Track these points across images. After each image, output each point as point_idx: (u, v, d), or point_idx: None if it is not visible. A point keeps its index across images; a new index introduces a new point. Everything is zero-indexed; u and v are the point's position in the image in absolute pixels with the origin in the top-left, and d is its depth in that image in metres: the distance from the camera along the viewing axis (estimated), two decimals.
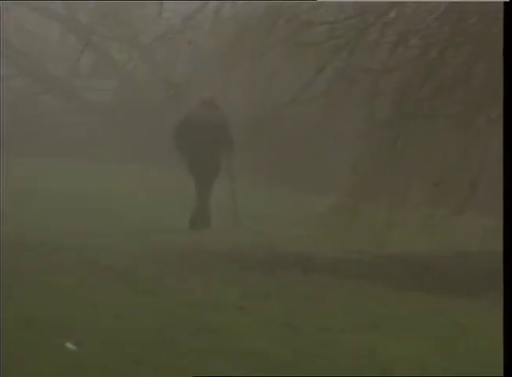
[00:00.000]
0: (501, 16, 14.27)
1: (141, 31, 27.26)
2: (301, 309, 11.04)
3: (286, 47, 14.72)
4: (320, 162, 20.47)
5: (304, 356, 8.85)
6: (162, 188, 22.65)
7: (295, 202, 18.79)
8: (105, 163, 26.64)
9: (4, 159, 25.73)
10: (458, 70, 13.95)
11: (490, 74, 13.94)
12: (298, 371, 8.29)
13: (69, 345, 8.89)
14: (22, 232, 15.35)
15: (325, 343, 9.46)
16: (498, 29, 14.21)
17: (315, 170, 20.84)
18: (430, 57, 14.03)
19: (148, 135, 28.12)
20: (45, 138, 29.83)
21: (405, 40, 14.21)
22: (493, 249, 15.04)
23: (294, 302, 11.46)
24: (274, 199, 19.56)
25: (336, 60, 14.44)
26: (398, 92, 14.26)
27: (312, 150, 21.63)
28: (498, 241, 15.66)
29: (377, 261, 13.98)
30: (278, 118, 19.07)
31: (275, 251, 14.65)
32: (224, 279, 12.70)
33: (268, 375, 8.16)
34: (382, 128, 14.45)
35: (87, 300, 11.02)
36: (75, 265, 13.21)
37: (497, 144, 14.78)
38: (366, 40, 14.37)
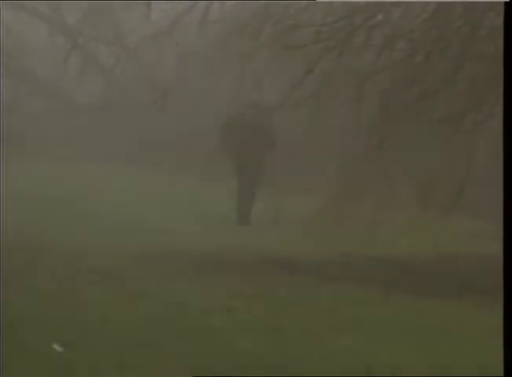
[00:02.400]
0: (487, 19, 14.45)
1: (129, 32, 27.27)
2: (287, 311, 11.08)
3: (273, 49, 14.75)
4: (306, 164, 20.48)
5: (289, 358, 8.89)
6: (149, 188, 22.65)
7: (281, 204, 18.83)
8: (91, 164, 26.62)
9: None
10: (444, 73, 14.00)
11: (476, 77, 14.03)
12: (283, 372, 8.33)
13: (56, 346, 8.93)
14: (7, 234, 15.32)
15: (310, 344, 9.53)
16: (483, 32, 14.31)
17: (301, 171, 20.86)
18: (417, 60, 14.09)
19: (135, 136, 28.14)
20: (31, 139, 29.80)
21: (392, 43, 14.25)
22: (478, 251, 15.14)
23: (280, 304, 11.49)
24: (260, 201, 19.56)
25: (324, 63, 14.47)
26: (385, 94, 14.30)
27: (299, 152, 21.67)
28: (483, 243, 15.82)
29: (362, 263, 14.01)
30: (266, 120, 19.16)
31: (261, 254, 14.64)
32: (211, 281, 12.73)
33: (256, 376, 8.23)
34: (369, 130, 14.49)
35: (74, 302, 11.07)
36: (61, 267, 13.20)
37: (483, 146, 14.89)
38: (353, 43, 14.40)
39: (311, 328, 10.22)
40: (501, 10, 14.26)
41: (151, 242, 15.33)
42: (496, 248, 15.29)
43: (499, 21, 14.53)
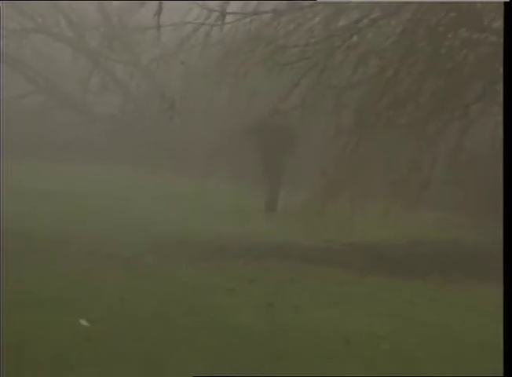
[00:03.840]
0: (446, 40, 14.48)
1: (142, 53, 27.22)
2: (279, 290, 11.11)
3: (265, 67, 14.74)
4: (293, 164, 20.46)
5: (281, 329, 8.94)
6: (159, 187, 22.60)
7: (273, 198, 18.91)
8: (111, 166, 26.57)
9: (26, 164, 25.78)
10: (410, 86, 14.03)
11: (437, 90, 14.05)
12: (277, 342, 8.39)
13: (83, 322, 8.95)
14: (37, 227, 15.32)
15: (298, 318, 9.58)
16: (444, 51, 14.34)
17: (289, 170, 20.85)
18: (387, 75, 14.10)
19: (147, 141, 28.10)
20: (59, 145, 29.72)
21: (365, 61, 14.28)
22: (440, 238, 15.13)
23: (272, 285, 11.51)
24: (253, 196, 19.56)
25: (308, 78, 14.48)
26: (360, 104, 14.32)
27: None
28: (444, 231, 15.80)
29: (342, 249, 14.00)
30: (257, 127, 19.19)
31: (255, 241, 14.64)
32: (214, 265, 12.75)
33: (251, 347, 8.25)
34: (346, 135, 14.50)
35: (96, 284, 11.12)
36: (86, 254, 13.22)
37: (444, 149, 14.92)
38: (333, 60, 14.42)
39: (299, 304, 10.23)
40: (461, 31, 14.40)
41: (162, 233, 15.26)
42: (455, 235, 15.36)
43: (457, 42, 14.61)
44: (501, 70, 14.78)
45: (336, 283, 11.84)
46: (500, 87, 14.96)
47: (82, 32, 32.93)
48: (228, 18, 14.54)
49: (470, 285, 12.00)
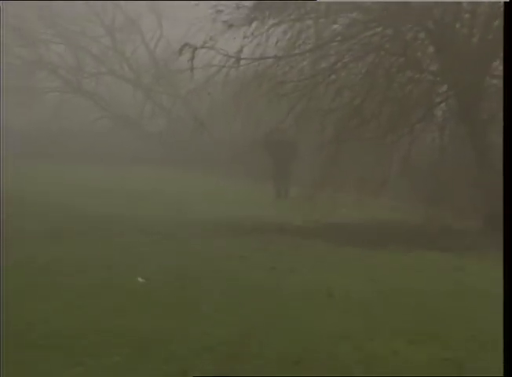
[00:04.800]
0: (397, 77, 14.44)
1: (181, 87, 27.18)
2: (280, 258, 11.06)
3: (268, 97, 14.69)
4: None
5: (282, 286, 8.96)
6: (192, 183, 22.53)
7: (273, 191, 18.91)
8: (159, 168, 26.51)
9: (101, 168, 25.84)
10: (372, 111, 14.00)
11: (391, 113, 14.04)
12: (277, 295, 8.42)
13: (140, 279, 8.93)
14: (110, 213, 15.31)
15: (294, 277, 9.60)
16: (396, 85, 14.30)
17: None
18: (356, 103, 14.07)
19: (184, 150, 28.08)
20: (123, 155, 29.66)
21: (341, 93, 14.24)
22: (395, 219, 15.10)
23: (274, 253, 11.48)
24: (259, 190, 19.54)
25: (300, 105, 14.44)
26: (337, 123, 14.28)
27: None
28: (397, 214, 15.76)
29: (325, 227, 13.97)
30: (264, 140, 19.18)
31: (258, 222, 14.57)
32: (232, 239, 12.70)
33: (259, 298, 8.25)
34: (328, 146, 14.46)
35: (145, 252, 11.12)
36: (128, 229, 13.22)
37: (397, 156, 14.92)
38: (317, 92, 14.37)
39: (294, 267, 10.24)
40: (407, 72, 14.36)
41: (195, 217, 15.22)
42: (404, 217, 15.35)
43: (405, 80, 14.58)
44: (437, 99, 14.80)
45: (321, 252, 11.84)
46: (436, 111, 15.01)
47: (138, 74, 32.93)
48: (242, 62, 14.48)
49: (413, 251, 12.01)
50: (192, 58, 13.93)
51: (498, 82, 14.54)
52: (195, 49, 13.90)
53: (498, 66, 14.41)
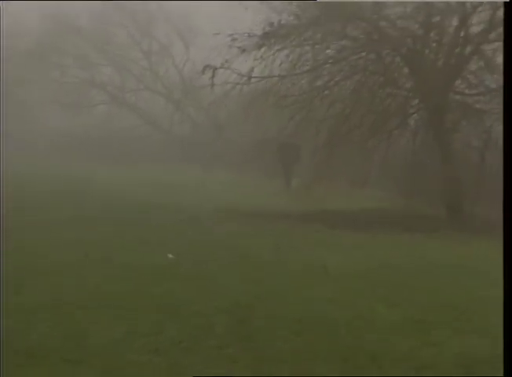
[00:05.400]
0: (379, 93, 14.40)
1: (203, 100, 27.02)
2: (283, 237, 11.10)
3: (273, 108, 14.68)
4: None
5: (285, 257, 9.06)
6: (213, 178, 22.46)
7: (278, 184, 18.80)
8: (184, 166, 26.45)
9: (141, 166, 25.84)
10: (358, 120, 14.00)
11: (373, 122, 14.03)
12: (281, 268, 8.44)
13: (170, 255, 8.96)
14: (152, 200, 15.38)
15: (295, 253, 9.60)
16: (378, 100, 14.29)
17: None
18: (345, 113, 14.08)
19: (206, 151, 27.96)
20: (155, 154, 29.66)
21: (333, 105, 14.25)
22: (377, 206, 15.05)
23: (279, 234, 11.50)
24: (266, 183, 19.43)
25: (299, 115, 14.40)
26: (330, 130, 14.25)
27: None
28: (378, 203, 15.68)
29: (321, 213, 13.90)
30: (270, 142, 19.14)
31: (265, 209, 14.55)
32: (245, 222, 12.70)
33: (267, 270, 8.25)
34: (323, 148, 14.45)
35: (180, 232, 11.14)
36: (166, 215, 13.13)
37: (379, 157, 14.91)
38: (314, 105, 14.35)
39: (296, 245, 10.34)
40: (386, 89, 14.33)
41: (217, 205, 15.12)
42: (384, 205, 15.29)
43: (384, 95, 14.54)
44: (410, 111, 14.77)
45: (317, 233, 11.84)
46: (409, 121, 14.98)
47: (169, 89, 32.95)
48: (252, 80, 14.45)
49: (391, 232, 11.99)
50: (212, 76, 13.98)
51: (459, 98, 14.53)
52: (215, 69, 13.95)
53: (459, 84, 14.41)
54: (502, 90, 13.17)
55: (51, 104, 33.73)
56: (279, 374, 4.67)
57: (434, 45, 14.18)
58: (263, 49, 13.99)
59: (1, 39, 29.26)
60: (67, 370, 4.68)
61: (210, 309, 6.31)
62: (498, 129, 14.83)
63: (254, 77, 14.38)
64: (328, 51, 14.55)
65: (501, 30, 13.62)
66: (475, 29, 13.61)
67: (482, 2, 13.24)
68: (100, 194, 16.55)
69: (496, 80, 14.22)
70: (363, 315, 6.26)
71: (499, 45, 14.05)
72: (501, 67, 14.03)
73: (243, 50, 13.90)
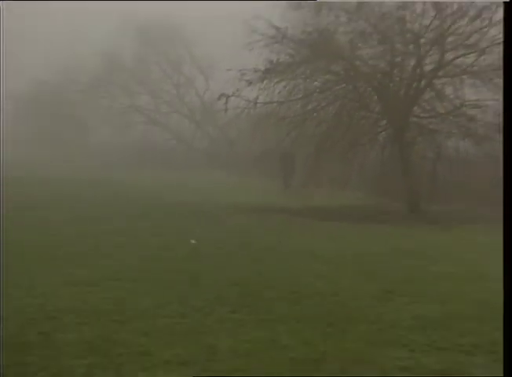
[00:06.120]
0: (356, 115, 14.32)
1: (219, 120, 26.91)
2: (280, 228, 11.01)
3: (274, 126, 14.62)
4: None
5: (283, 243, 8.94)
6: (223, 180, 22.43)
7: (278, 186, 18.68)
8: (204, 171, 26.41)
9: (170, 172, 25.72)
10: (340, 136, 13.94)
11: (351, 137, 13.95)
12: (280, 252, 8.34)
13: (193, 241, 8.94)
14: (182, 200, 15.30)
15: (290, 240, 9.51)
16: (355, 121, 14.21)
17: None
18: (329, 131, 14.02)
19: (220, 160, 27.85)
20: (180, 162, 29.46)
21: (320, 124, 14.19)
22: (355, 204, 14.94)
23: (278, 224, 11.45)
24: (268, 185, 19.27)
25: (294, 132, 14.30)
26: (318, 144, 14.16)
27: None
28: (357, 201, 15.54)
29: (311, 209, 13.81)
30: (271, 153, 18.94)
31: (267, 206, 14.47)
32: (249, 215, 12.62)
33: (268, 253, 8.17)
34: (311, 158, 14.39)
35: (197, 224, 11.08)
36: (194, 212, 13.10)
37: (355, 165, 14.76)
38: (305, 124, 14.27)
39: (290, 234, 10.23)
40: (360, 112, 14.26)
41: (227, 202, 15.09)
42: (361, 203, 15.18)
43: (359, 116, 14.45)
44: (379, 129, 14.66)
45: (308, 225, 11.72)
46: (379, 137, 14.84)
47: (192, 112, 32.90)
48: (258, 105, 14.39)
49: (366, 224, 11.92)
50: (226, 103, 13.92)
51: (416, 120, 14.44)
52: (228, 96, 13.87)
53: (416, 110, 14.35)
54: (449, 115, 13.06)
55: (103, 124, 34.36)
56: (277, 332, 4.67)
57: (397, 79, 14.18)
58: (265, 82, 13.94)
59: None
60: (114, 328, 4.70)
61: (224, 281, 6.31)
62: (446, 144, 14.82)
63: (259, 103, 14.32)
64: (316, 83, 14.51)
65: (449, 68, 13.65)
66: (428, 68, 13.69)
67: (432, 47, 13.37)
68: (140, 194, 16.61)
69: (445, 107, 14.24)
70: (345, 287, 6.25)
71: (447, 80, 14.10)
72: (448, 97, 14.08)
73: (250, 82, 13.86)
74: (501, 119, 12.71)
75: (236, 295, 5.77)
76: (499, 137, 12.68)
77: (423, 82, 13.72)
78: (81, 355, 4.10)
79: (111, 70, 32.68)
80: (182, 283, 6.22)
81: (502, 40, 12.38)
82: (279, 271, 7.00)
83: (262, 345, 4.37)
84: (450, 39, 13.20)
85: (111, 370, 3.88)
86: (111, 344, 4.33)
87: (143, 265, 7.09)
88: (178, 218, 11.88)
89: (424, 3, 13.15)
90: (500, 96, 12.94)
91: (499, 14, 12.37)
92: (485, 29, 12.64)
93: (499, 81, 12.52)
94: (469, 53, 13.04)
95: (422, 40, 13.32)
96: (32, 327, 4.67)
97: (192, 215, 12.40)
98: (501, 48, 12.41)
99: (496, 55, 12.30)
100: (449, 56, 13.32)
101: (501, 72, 12.77)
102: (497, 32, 12.26)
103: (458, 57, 13.25)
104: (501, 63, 12.66)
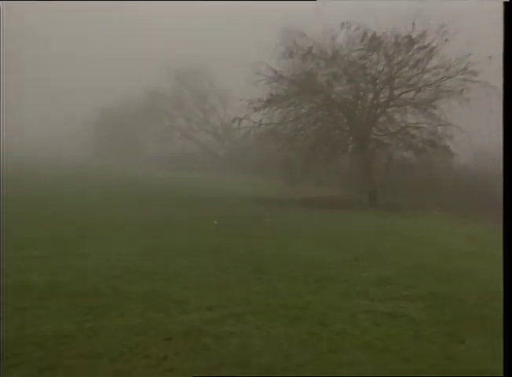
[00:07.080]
0: (334, 134, 14.03)
1: (234, 136, 26.49)
2: (278, 216, 10.61)
3: (273, 141, 14.45)
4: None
5: (280, 230, 8.63)
6: (235, 180, 21.84)
7: (280, 183, 18.17)
8: (223, 173, 25.64)
9: (194, 173, 25.12)
10: (320, 148, 13.78)
11: (330, 149, 13.80)
12: (275, 233, 8.00)
13: (215, 222, 8.83)
14: (200, 196, 15.04)
15: (284, 225, 9.28)
16: (330, 137, 14.03)
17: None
18: (313, 145, 13.83)
19: (233, 164, 27.48)
20: (206, 167, 28.69)
21: (306, 140, 13.97)
22: (330, 195, 14.67)
23: (272, 213, 11.04)
24: (263, 180, 18.92)
25: (288, 144, 13.99)
26: (305, 154, 13.93)
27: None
28: (331, 193, 15.25)
29: (303, 200, 13.46)
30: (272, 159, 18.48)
31: (262, 197, 14.17)
32: (256, 206, 12.30)
33: (268, 236, 7.97)
34: (302, 164, 14.01)
35: (214, 211, 10.68)
36: (211, 201, 12.79)
37: (333, 168, 14.47)
38: (296, 139, 14.04)
39: (285, 220, 9.95)
40: (334, 132, 14.07)
41: (238, 195, 14.84)
42: (336, 195, 14.85)
43: (338, 133, 14.20)
44: (348, 142, 14.38)
45: (301, 213, 11.28)
46: (348, 149, 14.54)
47: (214, 130, 32.65)
48: (262, 125, 14.22)
49: (335, 210, 11.74)
50: (239, 123, 13.82)
51: (375, 137, 14.25)
52: (240, 119, 13.74)
53: (374, 129, 14.19)
54: (397, 133, 12.72)
55: (151, 139, 34.25)
56: (279, 291, 4.59)
57: (360, 107, 14.12)
58: (267, 108, 13.87)
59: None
60: (159, 284, 4.71)
61: (242, 253, 6.17)
62: (395, 154, 14.66)
63: (262, 124, 14.23)
64: (303, 110, 14.39)
65: (397, 100, 13.60)
66: (382, 100, 13.69)
67: (384, 86, 13.35)
68: (179, 190, 16.27)
69: (394, 128, 14.14)
70: (324, 256, 6.19)
71: (395, 108, 13.98)
72: (396, 121, 13.96)
73: (256, 109, 13.83)
74: (433, 137, 12.88)
75: (251, 263, 5.60)
76: (432, 150, 12.83)
77: (379, 110, 13.79)
78: (138, 301, 4.16)
79: (157, 100, 32.88)
80: (209, 253, 6.08)
81: (432, 82, 12.77)
82: (276, 249, 6.63)
83: (264, 295, 4.39)
84: (397, 80, 13.36)
85: (162, 311, 3.93)
86: (160, 295, 4.36)
87: (187, 239, 6.94)
88: (207, 207, 11.37)
89: (378, 54, 13.21)
90: (432, 120, 13.05)
91: (432, 62, 12.61)
92: (420, 74, 12.97)
93: (432, 110, 13.05)
94: (410, 90, 13.27)
95: (378, 81, 13.42)
96: (104, 281, 4.70)
97: (215, 204, 12.11)
98: (432, 87, 12.61)
99: (428, 92, 12.81)
100: (396, 92, 13.45)
101: (434, 103, 12.91)
102: (430, 76, 12.75)
103: (402, 93, 13.43)
104: (437, 95, 12.84)
